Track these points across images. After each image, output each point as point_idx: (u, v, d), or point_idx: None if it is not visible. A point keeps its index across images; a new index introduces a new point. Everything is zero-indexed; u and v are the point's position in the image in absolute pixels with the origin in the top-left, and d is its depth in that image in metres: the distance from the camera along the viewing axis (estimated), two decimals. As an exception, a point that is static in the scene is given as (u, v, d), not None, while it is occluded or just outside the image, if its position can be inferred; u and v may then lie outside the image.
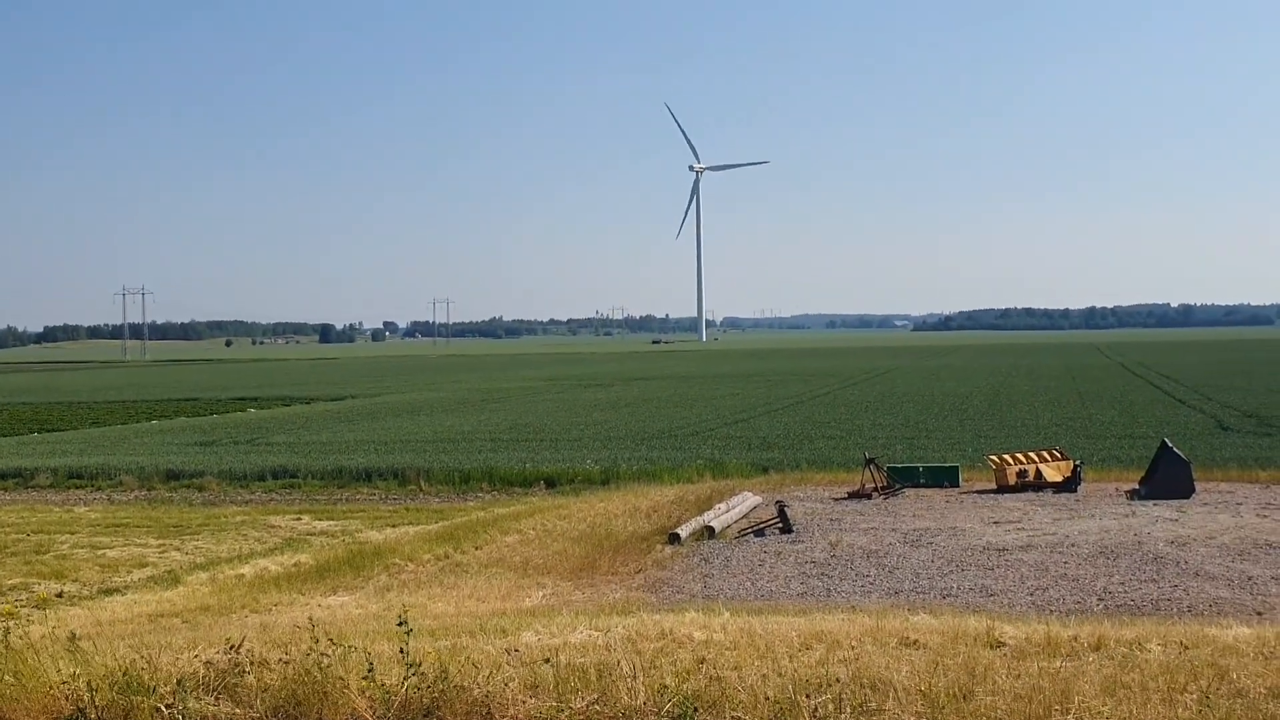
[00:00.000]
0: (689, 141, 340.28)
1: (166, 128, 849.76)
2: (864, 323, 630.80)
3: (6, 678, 7.50)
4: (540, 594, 17.52)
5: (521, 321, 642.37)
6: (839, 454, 36.23)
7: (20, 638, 7.89)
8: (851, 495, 26.23)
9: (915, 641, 9.57)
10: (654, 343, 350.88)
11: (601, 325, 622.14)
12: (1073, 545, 19.64)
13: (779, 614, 12.45)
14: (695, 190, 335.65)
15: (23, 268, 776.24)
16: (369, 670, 7.11)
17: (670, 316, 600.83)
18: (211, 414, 68.52)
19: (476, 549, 21.58)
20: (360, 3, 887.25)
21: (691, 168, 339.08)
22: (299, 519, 29.56)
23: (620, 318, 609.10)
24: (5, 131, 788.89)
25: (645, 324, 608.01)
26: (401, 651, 7.26)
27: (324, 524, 28.58)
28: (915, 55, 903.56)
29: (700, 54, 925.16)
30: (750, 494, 26.28)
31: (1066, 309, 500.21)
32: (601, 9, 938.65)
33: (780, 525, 22.01)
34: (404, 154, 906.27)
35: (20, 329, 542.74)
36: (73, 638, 7.89)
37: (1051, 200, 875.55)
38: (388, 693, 7.02)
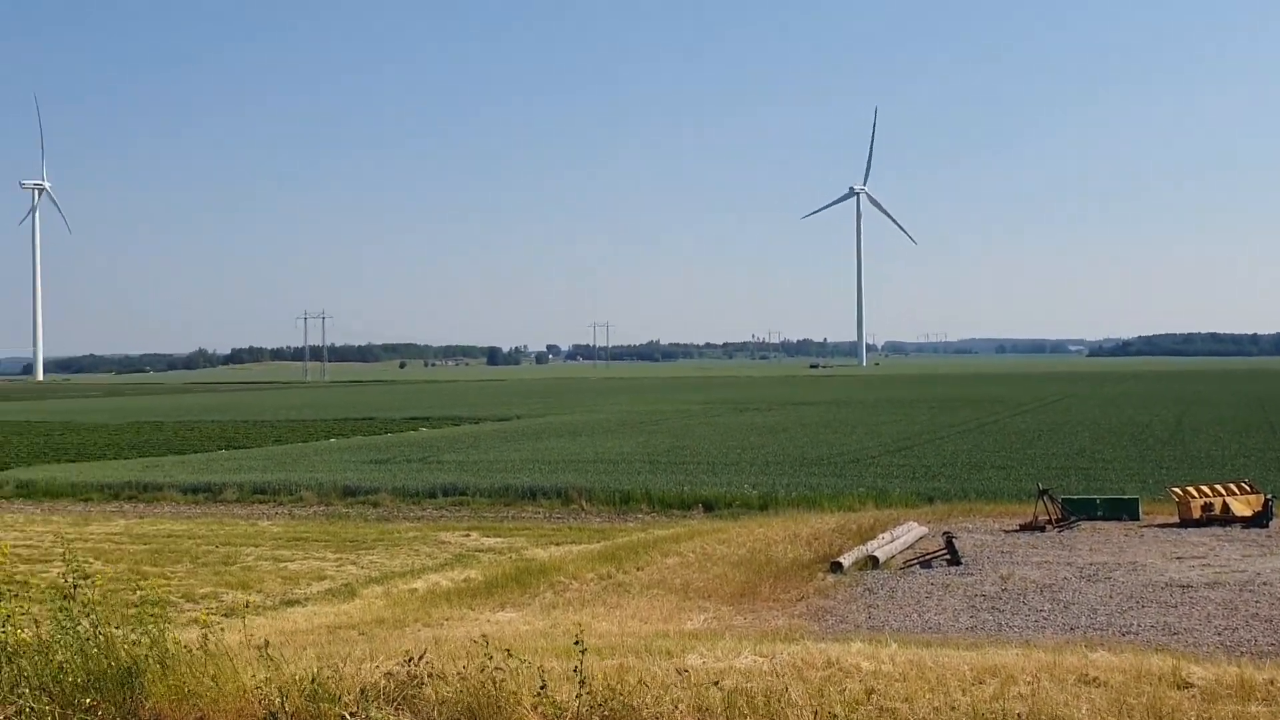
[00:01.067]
0: (869, 158, 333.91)
1: (347, 162, 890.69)
2: (1036, 347, 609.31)
3: (206, 681, 7.97)
4: (701, 617, 17.55)
5: (678, 345, 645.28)
6: (1009, 484, 35.11)
7: (217, 644, 8.36)
8: (1023, 527, 25.38)
9: (1095, 679, 9.20)
10: (812, 367, 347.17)
11: (758, 349, 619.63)
12: (1265, 584, 18.52)
13: (948, 647, 12.15)
14: (857, 211, 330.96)
15: (213, 293, 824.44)
16: (541, 686, 7.27)
17: (829, 340, 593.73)
18: (386, 433, 71.15)
19: (638, 570, 21.77)
20: (525, 25, 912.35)
21: (852, 189, 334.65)
22: (468, 535, 30.37)
23: (777, 341, 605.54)
24: (191, 162, 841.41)
25: (803, 348, 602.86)
26: (575, 669, 7.40)
27: (491, 541, 29.29)
28: (1084, 64, 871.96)
29: (862, 66, 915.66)
30: (915, 524, 25.72)
31: (1255, 334, 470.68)
32: (755, 28, 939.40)
33: (948, 556, 21.47)
34: (564, 182, 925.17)
35: (210, 351, 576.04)
36: (265, 645, 8.33)
37: (1238, 216, 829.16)
38: (560, 709, 7.17)
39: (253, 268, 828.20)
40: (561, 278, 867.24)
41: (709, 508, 34.54)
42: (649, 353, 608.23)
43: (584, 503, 35.97)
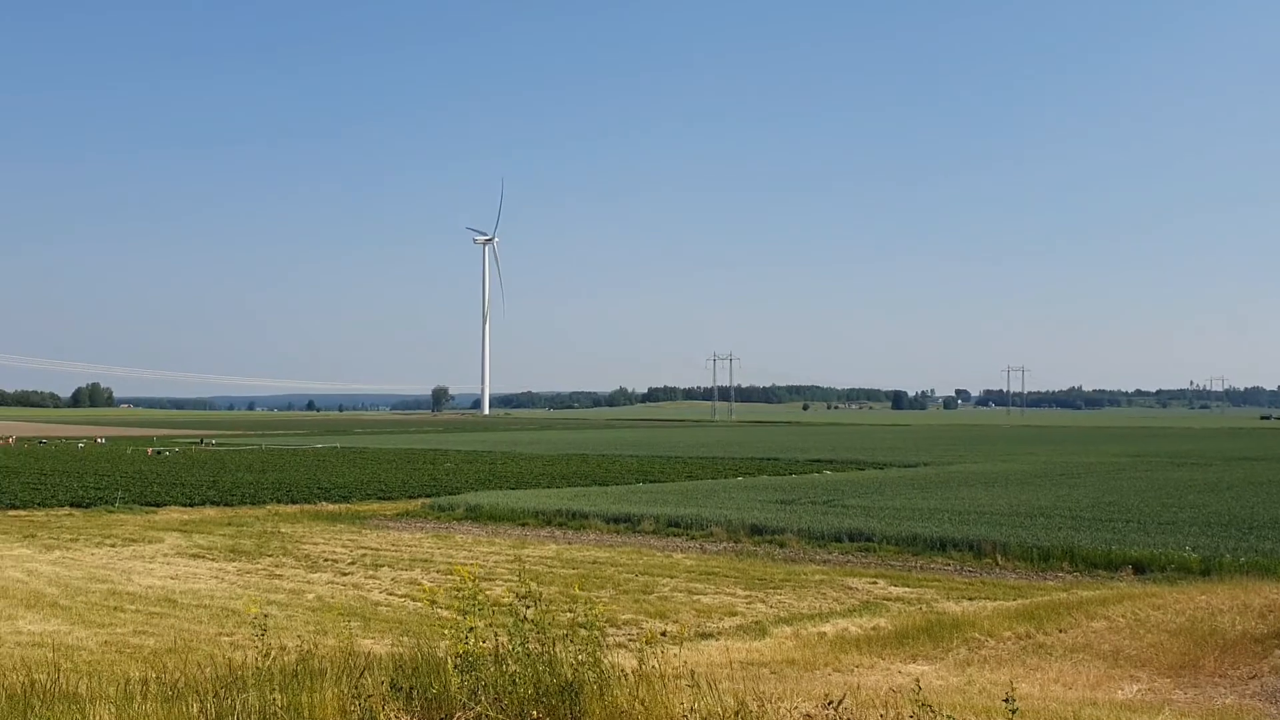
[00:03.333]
0: None
1: (757, 207, 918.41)
2: None
3: (637, 705, 8.43)
4: (1134, 688, 16.17)
5: (1103, 392, 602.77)
6: None
7: (650, 669, 8.81)
8: None
9: None
10: (1263, 418, 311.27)
11: (1196, 397, 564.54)
12: None
13: None
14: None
15: (633, 337, 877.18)
16: (966, 746, 7.03)
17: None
18: (790, 474, 72.05)
19: (1060, 631, 20.46)
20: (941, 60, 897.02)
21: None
22: (874, 583, 29.99)
23: (1220, 389, 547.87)
24: (613, 216, 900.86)
25: (1251, 396, 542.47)
26: (1003, 731, 7.11)
27: (899, 590, 28.73)
28: None
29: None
30: (1399, 601, 22.21)
31: None
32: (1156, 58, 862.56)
33: None
34: (973, 219, 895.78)
35: (630, 389, 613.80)
36: (692, 674, 8.68)
37: None
38: (986, 772, 6.89)
39: (669, 312, 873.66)
40: (972, 318, 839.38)
41: (1139, 570, 31.84)
42: (1070, 400, 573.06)
43: (998, 557, 34.38)
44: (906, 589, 28.94)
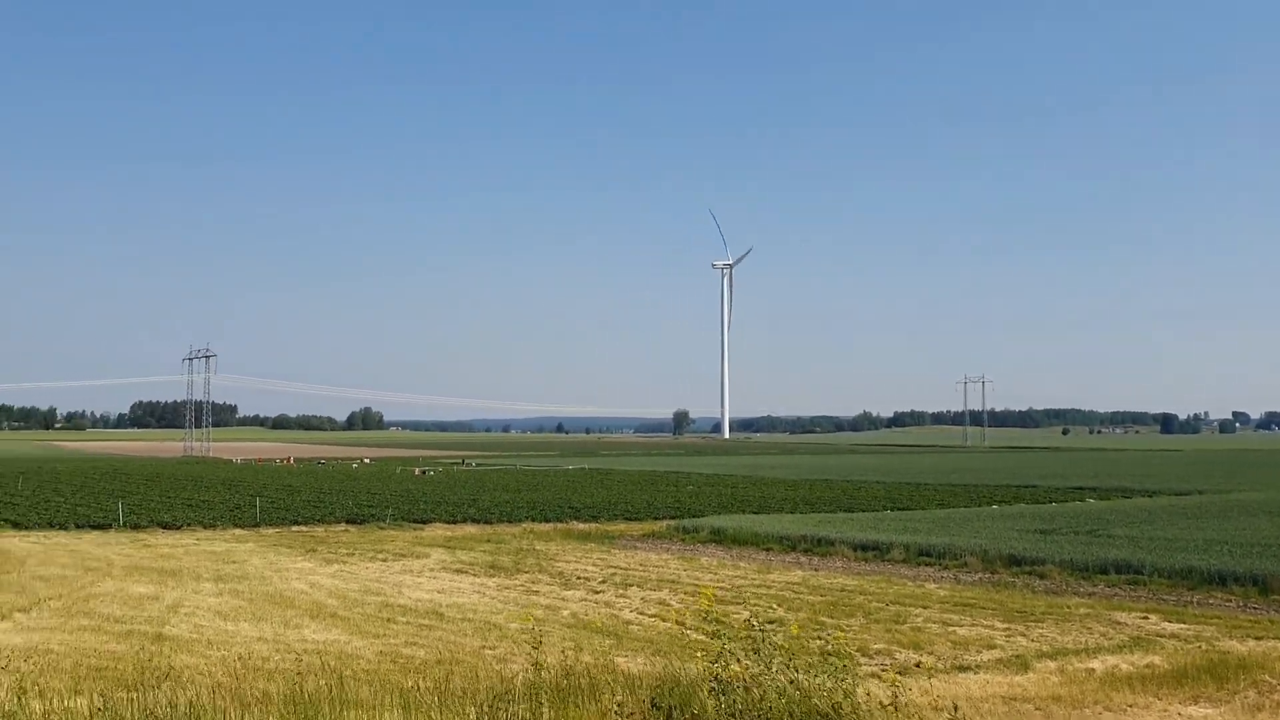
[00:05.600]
0: None
1: (1010, 228, 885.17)
2: None
3: (894, 736, 8.28)
4: None
5: None
6: None
7: (907, 702, 8.64)
8: None
9: None
10: None
11: None
12: None
13: None
14: None
15: (878, 358, 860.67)
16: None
17: None
18: (1050, 502, 68.73)
19: (1368, 679, 18.55)
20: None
21: None
22: (1145, 618, 28.14)
23: None
24: (857, 238, 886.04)
25: None
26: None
27: (1174, 626, 26.84)
28: None
29: None
30: None
31: None
32: None
33: None
34: (1243, 223, 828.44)
35: (874, 414, 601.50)
36: (954, 707, 8.44)
37: None
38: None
39: (916, 333, 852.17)
40: (1252, 332, 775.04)
41: None
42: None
43: (1288, 594, 31.51)
44: (1181, 625, 27.00)
